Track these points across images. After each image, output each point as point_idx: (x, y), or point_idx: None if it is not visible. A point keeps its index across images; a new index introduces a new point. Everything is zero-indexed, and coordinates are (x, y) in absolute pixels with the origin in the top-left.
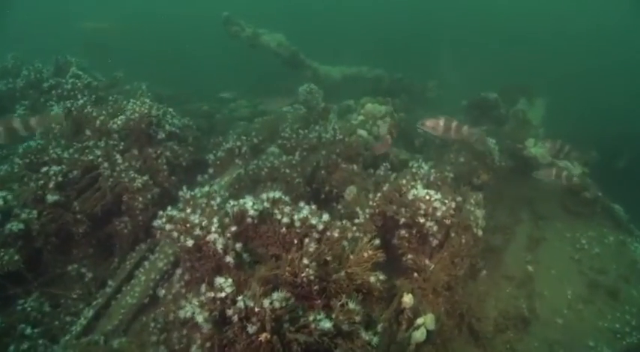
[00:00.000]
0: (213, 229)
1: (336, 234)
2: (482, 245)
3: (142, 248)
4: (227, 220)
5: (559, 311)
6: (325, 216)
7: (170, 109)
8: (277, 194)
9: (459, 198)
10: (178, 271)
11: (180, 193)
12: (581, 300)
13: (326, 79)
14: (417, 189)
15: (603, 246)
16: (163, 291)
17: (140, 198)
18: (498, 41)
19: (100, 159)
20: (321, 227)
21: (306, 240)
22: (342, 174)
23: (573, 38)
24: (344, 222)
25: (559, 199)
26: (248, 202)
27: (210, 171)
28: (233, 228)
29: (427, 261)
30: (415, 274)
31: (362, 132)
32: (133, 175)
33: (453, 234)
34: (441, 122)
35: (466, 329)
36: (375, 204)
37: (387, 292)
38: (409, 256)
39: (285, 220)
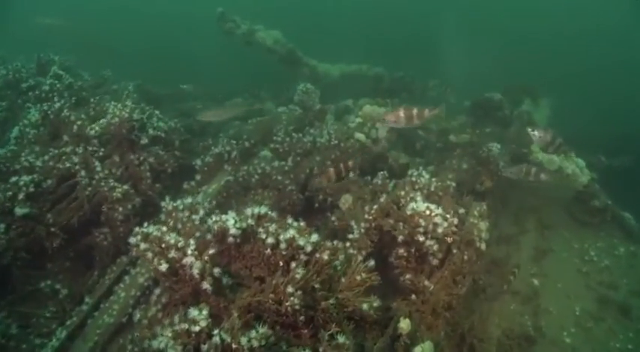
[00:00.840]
0: (189, 252)
1: (325, 257)
2: (486, 258)
3: (122, 261)
4: (209, 236)
5: (566, 330)
6: (314, 237)
7: (156, 112)
8: (263, 209)
9: (462, 210)
10: (157, 291)
11: (163, 204)
12: (590, 317)
13: (324, 78)
14: (416, 202)
15: (613, 258)
16: (138, 315)
17: (120, 209)
18: (501, 40)
19: (77, 167)
20: (309, 249)
21: (293, 264)
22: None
23: (574, 38)
24: (335, 242)
25: (566, 207)
26: (230, 220)
27: (198, 177)
28: (211, 251)
29: (426, 282)
30: (413, 296)
31: (359, 135)
32: (112, 184)
33: (454, 250)
34: (401, 112)
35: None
36: (371, 217)
37: (383, 314)
38: (407, 276)
39: (270, 241)
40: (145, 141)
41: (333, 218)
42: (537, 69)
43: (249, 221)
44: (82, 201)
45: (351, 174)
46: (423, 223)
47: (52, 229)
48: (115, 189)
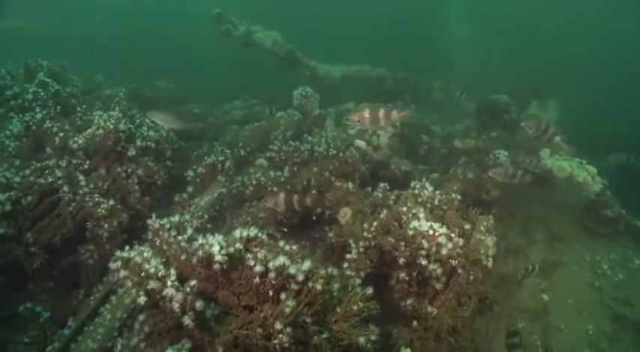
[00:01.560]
0: (169, 283)
1: (319, 287)
2: (493, 273)
3: (109, 280)
4: (194, 260)
5: (579, 350)
6: (307, 264)
7: (147, 120)
8: (252, 231)
9: (468, 226)
10: (141, 317)
11: (149, 222)
12: (604, 337)
13: (325, 79)
14: (418, 219)
15: (628, 272)
16: (120, 346)
17: (106, 226)
18: (506, 40)
19: (60, 182)
20: (300, 277)
21: (283, 295)
22: (336, 194)
23: (578, 37)
24: (329, 270)
25: (577, 217)
26: (215, 246)
27: (190, 189)
28: (193, 282)
29: (429, 308)
30: (415, 322)
31: (360, 143)
32: (97, 199)
33: (459, 271)
34: (366, 113)
35: None
36: (370, 235)
37: (382, 343)
38: (409, 301)
39: (259, 269)
40: (132, 152)
41: (330, 234)
42: (544, 68)
43: (237, 245)
44: (65, 218)
45: (350, 185)
46: (425, 245)
47: (32, 249)
48: (101, 205)
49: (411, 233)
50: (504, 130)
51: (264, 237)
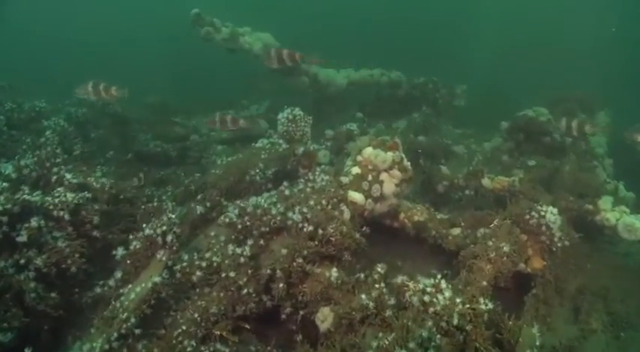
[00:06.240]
0: None
1: None
2: None
3: None
4: None
5: None
6: None
7: (67, 175)
8: None
9: None
10: None
11: None
12: None
13: (328, 86)
14: None
15: None
16: None
17: None
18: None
19: None
20: None
21: None
22: (314, 286)
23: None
24: None
25: None
26: None
27: (119, 275)
28: None
29: None
30: None
31: (355, 196)
32: None
33: None
34: None
35: None
36: None
37: None
38: None
39: None
40: (23, 238)
41: None
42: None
43: None
44: None
45: (334, 272)
46: None
47: None
48: None
49: None
50: (545, 157)
51: None
